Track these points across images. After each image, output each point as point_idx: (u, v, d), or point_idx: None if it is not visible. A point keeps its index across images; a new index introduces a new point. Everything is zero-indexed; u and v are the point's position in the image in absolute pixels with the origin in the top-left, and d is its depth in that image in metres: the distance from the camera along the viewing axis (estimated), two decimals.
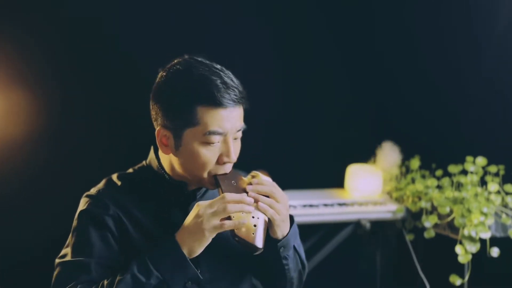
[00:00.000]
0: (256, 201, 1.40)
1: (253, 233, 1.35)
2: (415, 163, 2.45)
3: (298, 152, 2.70)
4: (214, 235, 1.35)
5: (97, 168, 1.68)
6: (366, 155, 2.61)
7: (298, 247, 1.57)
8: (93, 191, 1.50)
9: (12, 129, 2.36)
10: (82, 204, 1.48)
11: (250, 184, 1.43)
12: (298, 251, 1.57)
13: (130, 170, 1.58)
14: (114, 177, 1.55)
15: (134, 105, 1.92)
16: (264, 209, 1.39)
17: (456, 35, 2.63)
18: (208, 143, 1.40)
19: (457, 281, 2.10)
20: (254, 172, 1.49)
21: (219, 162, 1.43)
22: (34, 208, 2.40)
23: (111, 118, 2.49)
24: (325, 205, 2.39)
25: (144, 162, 1.58)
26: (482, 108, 2.58)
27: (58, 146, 2.42)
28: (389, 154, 2.54)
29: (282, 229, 1.46)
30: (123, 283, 1.31)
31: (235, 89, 1.40)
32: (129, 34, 2.45)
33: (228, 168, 1.46)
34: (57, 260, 1.42)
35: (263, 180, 1.45)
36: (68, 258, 1.40)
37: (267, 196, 1.42)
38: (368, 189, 2.51)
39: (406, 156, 2.55)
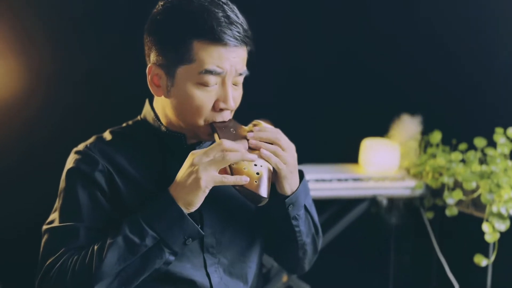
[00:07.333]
0: (258, 148, 1.25)
1: (255, 181, 1.20)
2: (436, 136, 2.30)
3: (310, 125, 2.56)
4: (211, 187, 1.19)
5: (91, 133, 1.54)
6: (383, 128, 2.46)
7: (309, 207, 1.41)
8: (81, 146, 1.36)
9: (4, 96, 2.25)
10: (69, 161, 1.34)
11: (251, 131, 1.28)
12: (310, 211, 1.41)
13: (124, 124, 1.43)
14: (106, 132, 1.40)
15: (130, 69, 1.81)
16: (267, 156, 1.24)
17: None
18: (203, 84, 1.24)
19: (483, 261, 1.96)
20: (255, 121, 1.33)
21: (216, 108, 1.28)
22: (27, 177, 2.30)
23: (104, 83, 2.36)
24: (339, 180, 2.26)
25: (138, 117, 1.42)
26: (507, 80, 2.44)
27: (50, 111, 2.31)
28: (407, 127, 2.40)
29: (290, 182, 1.30)
30: (114, 247, 1.17)
31: (239, 26, 1.24)
32: None
33: (226, 116, 1.30)
34: (44, 227, 1.29)
35: (265, 127, 1.30)
36: (56, 223, 1.27)
37: (271, 144, 1.27)
38: (384, 164, 2.36)
39: (424, 131, 2.40)
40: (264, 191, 1.20)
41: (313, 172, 2.27)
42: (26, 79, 2.27)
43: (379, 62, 2.58)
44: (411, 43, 2.56)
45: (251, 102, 1.37)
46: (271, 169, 1.25)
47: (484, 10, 2.47)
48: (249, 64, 1.34)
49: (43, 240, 1.27)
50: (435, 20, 2.53)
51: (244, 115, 1.42)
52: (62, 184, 1.32)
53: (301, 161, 1.37)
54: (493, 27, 2.47)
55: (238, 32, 1.23)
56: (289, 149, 1.29)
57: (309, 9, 2.54)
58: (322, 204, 2.31)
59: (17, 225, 2.28)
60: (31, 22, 2.25)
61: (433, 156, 2.31)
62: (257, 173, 1.21)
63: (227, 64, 1.24)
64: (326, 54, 2.57)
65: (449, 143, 2.35)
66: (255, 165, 1.22)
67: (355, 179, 2.28)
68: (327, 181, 2.25)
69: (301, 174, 1.37)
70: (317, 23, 2.55)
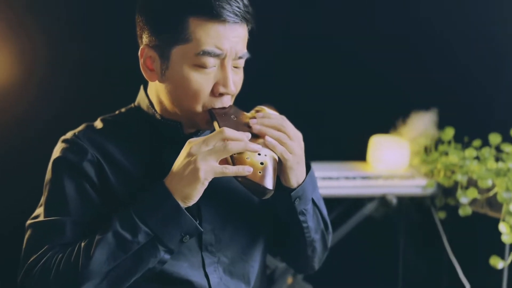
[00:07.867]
0: (262, 135, 1.15)
1: (259, 172, 1.10)
2: (448, 133, 2.21)
3: (317, 121, 2.46)
4: (210, 178, 1.09)
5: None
6: (391, 125, 2.38)
7: (317, 201, 1.31)
8: (68, 134, 1.26)
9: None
10: (56, 150, 1.24)
11: (254, 118, 1.18)
12: (318, 205, 1.31)
13: (116, 112, 1.34)
14: (97, 121, 1.31)
15: (128, 62, 1.75)
16: (272, 145, 1.14)
17: None
18: (200, 66, 1.15)
19: (499, 263, 1.86)
20: (258, 107, 1.23)
21: (215, 93, 1.18)
22: (20, 172, 2.24)
23: (101, 77, 2.29)
24: (347, 178, 2.18)
25: (132, 104, 1.33)
26: None
27: (45, 105, 2.25)
28: (417, 124, 2.31)
29: (297, 174, 1.20)
30: (103, 244, 1.08)
31: (239, 1, 1.14)
32: None
33: (226, 101, 1.20)
34: (28, 222, 1.20)
35: (270, 114, 1.20)
36: (41, 218, 1.17)
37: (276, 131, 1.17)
38: (393, 162, 2.28)
39: (435, 128, 2.31)
40: (269, 183, 1.10)
41: (320, 169, 2.17)
42: (19, 71, 2.21)
43: (389, 58, 2.50)
44: (421, 39, 2.48)
45: (253, 98, 1.28)
46: (276, 158, 1.16)
47: (489, 8, 2.41)
48: (251, 61, 1.25)
49: (26, 236, 1.18)
50: (440, 17, 2.45)
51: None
52: (48, 175, 1.23)
53: (307, 158, 1.28)
54: (505, 23, 2.40)
55: (238, 8, 1.14)
56: (295, 138, 1.19)
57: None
58: (329, 202, 2.20)
59: (11, 221, 2.20)
60: (25, 14, 2.18)
61: (445, 153, 2.21)
62: (261, 163, 1.11)
63: (227, 44, 1.15)
64: (332, 48, 2.48)
65: (460, 140, 2.26)
66: (259, 154, 1.12)
67: (364, 177, 2.19)
68: (334, 179, 2.16)
69: (308, 166, 1.27)
70: (321, 19, 2.47)
